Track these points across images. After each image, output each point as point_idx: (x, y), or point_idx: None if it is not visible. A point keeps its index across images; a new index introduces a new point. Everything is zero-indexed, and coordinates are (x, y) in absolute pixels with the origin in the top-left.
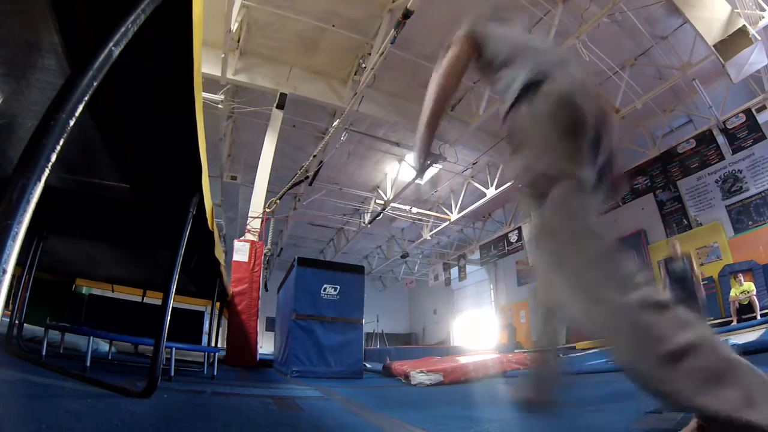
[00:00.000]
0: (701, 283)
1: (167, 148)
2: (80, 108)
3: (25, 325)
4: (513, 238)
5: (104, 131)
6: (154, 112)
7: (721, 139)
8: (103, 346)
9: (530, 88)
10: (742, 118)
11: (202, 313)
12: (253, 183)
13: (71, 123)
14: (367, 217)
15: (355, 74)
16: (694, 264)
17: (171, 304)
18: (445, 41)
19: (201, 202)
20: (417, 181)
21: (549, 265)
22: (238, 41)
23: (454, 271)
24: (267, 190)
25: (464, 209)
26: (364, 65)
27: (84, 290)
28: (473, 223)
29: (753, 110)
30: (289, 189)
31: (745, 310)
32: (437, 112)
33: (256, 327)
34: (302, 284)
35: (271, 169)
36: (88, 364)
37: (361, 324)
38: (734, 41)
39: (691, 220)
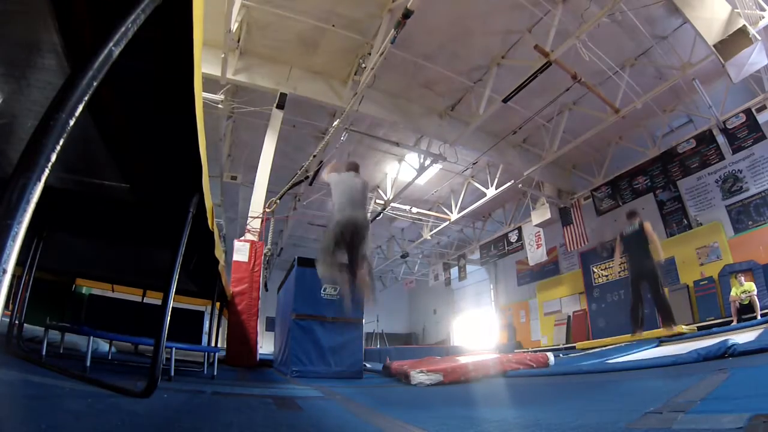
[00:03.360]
0: (659, 245)
1: (167, 148)
2: (80, 108)
3: (25, 325)
4: (513, 238)
5: (104, 131)
6: (154, 112)
7: (721, 139)
8: (103, 346)
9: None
10: (742, 118)
11: (202, 313)
12: (253, 183)
13: (71, 123)
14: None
15: (355, 74)
16: (648, 227)
17: (171, 304)
18: None
19: (201, 202)
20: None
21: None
22: (238, 41)
23: (454, 271)
24: (267, 190)
25: (464, 209)
26: (364, 65)
27: (84, 290)
28: (473, 223)
29: (753, 110)
30: (289, 189)
31: (746, 310)
32: None
33: (256, 327)
34: (302, 284)
35: (271, 169)
36: (88, 364)
37: (361, 324)
38: (734, 41)
39: (691, 220)
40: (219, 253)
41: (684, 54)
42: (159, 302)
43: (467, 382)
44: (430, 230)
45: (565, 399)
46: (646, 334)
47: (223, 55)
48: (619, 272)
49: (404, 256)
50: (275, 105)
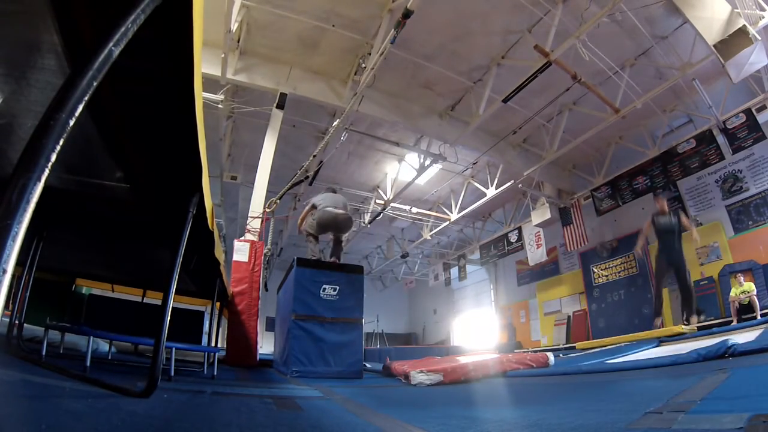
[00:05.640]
0: (695, 230)
1: (167, 148)
2: (80, 108)
3: (25, 325)
4: (513, 237)
5: (104, 131)
6: (154, 112)
7: (721, 139)
8: (103, 346)
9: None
10: (742, 118)
11: (202, 313)
12: (253, 183)
13: (71, 123)
14: (367, 217)
15: (355, 74)
16: (684, 219)
17: (171, 304)
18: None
19: (201, 202)
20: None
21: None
22: (238, 41)
23: (454, 271)
24: (267, 190)
25: (464, 209)
26: (364, 65)
27: (84, 290)
28: (473, 223)
29: (753, 110)
30: (289, 189)
31: (745, 310)
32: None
33: (256, 327)
34: (302, 284)
35: (271, 169)
36: (88, 364)
37: (361, 324)
38: (734, 41)
39: (691, 220)
40: (219, 253)
41: (684, 54)
42: (159, 302)
43: (467, 382)
44: (430, 230)
45: (565, 399)
46: (646, 334)
47: (223, 55)
48: (619, 272)
49: (404, 256)
50: (275, 105)
